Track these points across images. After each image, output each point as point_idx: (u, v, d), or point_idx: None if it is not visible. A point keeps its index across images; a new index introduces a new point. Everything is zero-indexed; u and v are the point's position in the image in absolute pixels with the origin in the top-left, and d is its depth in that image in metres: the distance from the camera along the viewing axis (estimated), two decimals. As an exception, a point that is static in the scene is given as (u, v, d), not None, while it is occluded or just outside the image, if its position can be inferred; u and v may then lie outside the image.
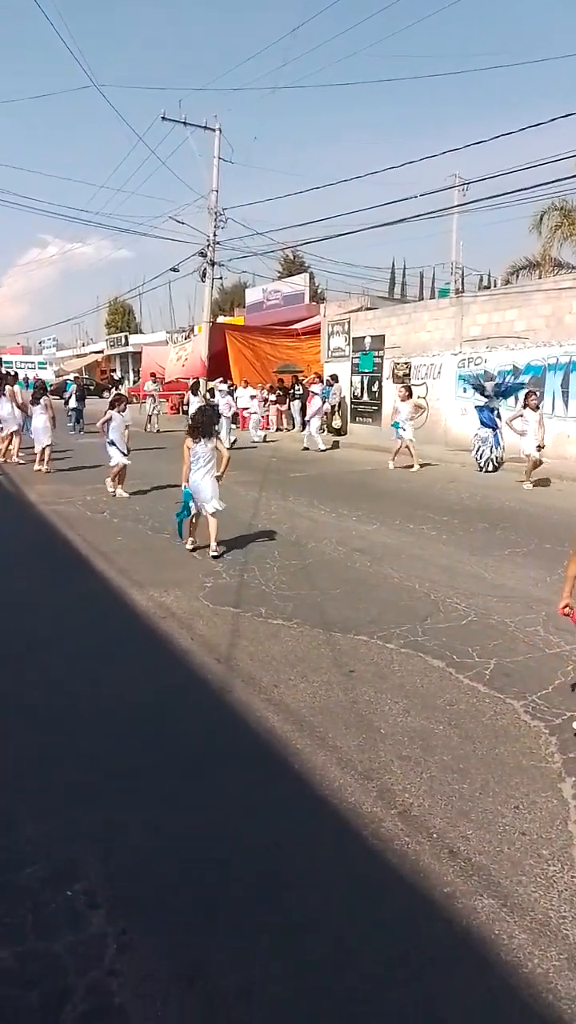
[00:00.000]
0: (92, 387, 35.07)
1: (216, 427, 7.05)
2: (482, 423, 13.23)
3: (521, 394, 12.65)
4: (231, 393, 19.68)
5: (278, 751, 3.33)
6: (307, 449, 16.90)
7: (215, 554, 6.70)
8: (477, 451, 13.32)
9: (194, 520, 7.04)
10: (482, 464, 13.14)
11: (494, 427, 13.01)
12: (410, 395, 14.09)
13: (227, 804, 2.93)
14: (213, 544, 6.76)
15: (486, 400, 13.24)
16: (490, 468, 13.09)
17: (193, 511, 6.92)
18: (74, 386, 23.47)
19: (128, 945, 2.18)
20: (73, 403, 21.97)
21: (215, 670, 4.23)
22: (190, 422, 7.17)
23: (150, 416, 22.77)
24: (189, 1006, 1.98)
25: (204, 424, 6.87)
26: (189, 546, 6.99)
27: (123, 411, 10.14)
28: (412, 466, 13.27)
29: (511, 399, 13.53)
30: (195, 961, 2.13)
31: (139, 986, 2.04)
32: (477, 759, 3.27)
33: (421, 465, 13.43)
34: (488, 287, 30.86)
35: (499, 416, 13.05)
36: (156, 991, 2.02)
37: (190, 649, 4.55)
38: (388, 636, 4.75)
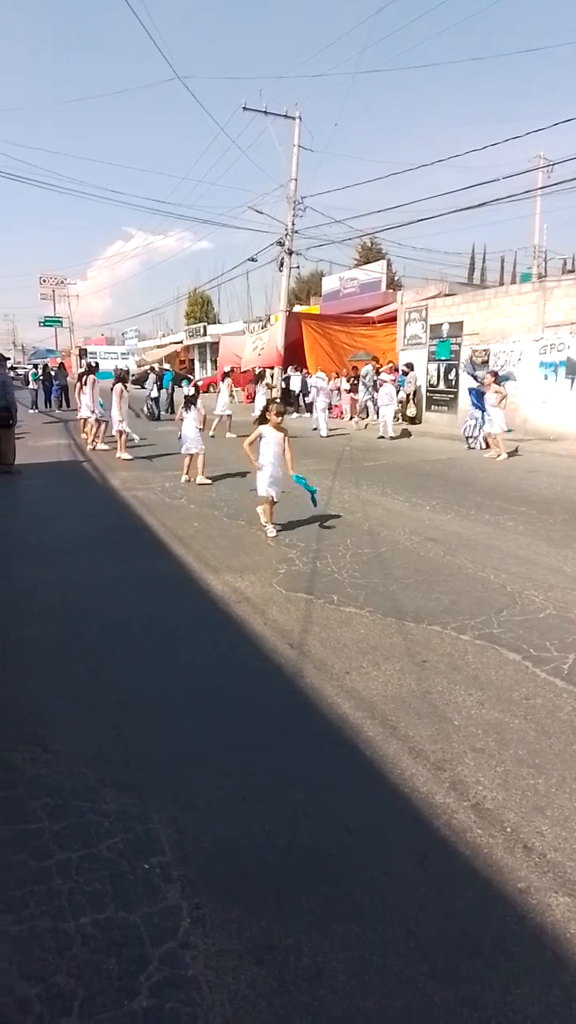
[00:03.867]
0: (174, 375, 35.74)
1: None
2: (473, 404, 14.57)
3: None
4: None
5: (350, 738, 3.33)
6: (382, 437, 16.76)
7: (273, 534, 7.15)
8: (464, 428, 14.93)
9: (272, 505, 7.34)
10: (470, 443, 14.69)
11: (482, 409, 14.06)
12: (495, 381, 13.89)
13: (299, 788, 2.96)
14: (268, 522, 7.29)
15: (478, 385, 14.19)
16: (482, 445, 14.37)
17: (275, 496, 7.27)
18: (152, 376, 23.99)
19: (201, 919, 2.24)
20: (154, 392, 22.49)
21: (288, 655, 4.26)
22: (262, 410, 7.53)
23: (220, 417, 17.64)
24: (260, 982, 2.02)
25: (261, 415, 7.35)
26: (272, 532, 7.21)
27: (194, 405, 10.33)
28: (500, 455, 13.19)
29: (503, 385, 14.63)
30: (266, 939, 2.17)
31: (211, 959, 2.09)
32: (554, 755, 3.19)
33: (509, 455, 13.33)
34: (573, 271, 29.72)
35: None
36: (228, 965, 2.07)
37: (263, 634, 4.60)
38: (462, 627, 4.68)
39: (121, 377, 13.11)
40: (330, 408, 20.18)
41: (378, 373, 18.52)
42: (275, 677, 4.01)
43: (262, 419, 7.34)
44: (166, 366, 38.92)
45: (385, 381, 17.41)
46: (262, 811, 2.81)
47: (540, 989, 2.00)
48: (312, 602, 5.19)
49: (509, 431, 13.91)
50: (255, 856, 2.56)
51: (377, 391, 17.74)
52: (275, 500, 7.30)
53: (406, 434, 17.56)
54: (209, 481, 10.36)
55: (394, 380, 17.79)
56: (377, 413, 20.01)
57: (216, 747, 3.30)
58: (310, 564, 6.17)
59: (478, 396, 14.15)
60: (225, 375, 18.03)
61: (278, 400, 7.64)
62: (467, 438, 14.90)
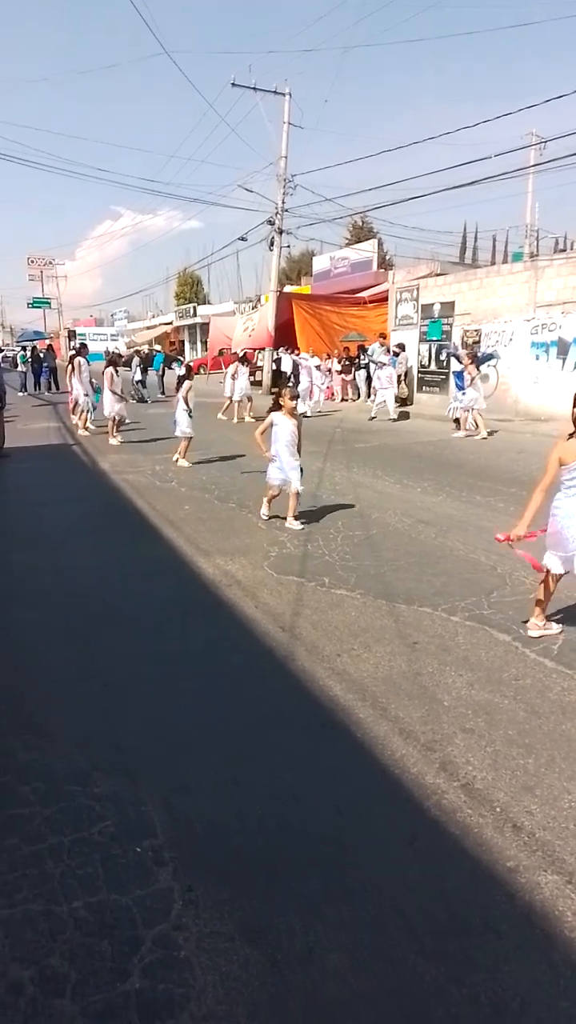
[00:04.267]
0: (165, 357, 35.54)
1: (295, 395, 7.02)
2: (457, 386, 14.80)
3: (571, 355, 14.40)
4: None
5: (341, 720, 3.35)
6: (374, 419, 16.70)
7: (295, 527, 6.75)
8: (449, 411, 15.03)
9: (275, 495, 7.10)
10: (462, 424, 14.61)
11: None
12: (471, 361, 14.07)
13: (290, 770, 2.98)
14: (290, 518, 6.83)
15: (461, 367, 14.39)
16: (468, 426, 14.36)
17: (276, 488, 7.01)
18: (137, 358, 23.87)
19: (193, 901, 2.26)
20: (138, 375, 22.37)
21: (279, 638, 4.27)
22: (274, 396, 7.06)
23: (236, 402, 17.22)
24: (252, 963, 2.04)
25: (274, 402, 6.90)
26: (265, 515, 7.12)
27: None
28: (479, 434, 13.43)
29: (484, 366, 15.69)
30: (258, 920, 2.18)
31: (203, 941, 2.11)
32: (543, 734, 3.22)
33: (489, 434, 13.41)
34: (564, 250, 29.60)
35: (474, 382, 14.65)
36: (220, 947, 2.09)
37: (254, 617, 4.60)
38: (452, 608, 4.70)
39: (112, 360, 12.96)
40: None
41: (389, 352, 17.95)
42: (266, 660, 4.02)
43: (275, 405, 6.93)
44: (156, 347, 38.69)
45: (384, 362, 17.28)
46: (253, 793, 2.82)
47: (529, 966, 2.03)
48: (303, 585, 5.19)
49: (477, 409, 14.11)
50: (247, 838, 2.57)
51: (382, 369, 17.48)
52: (296, 491, 6.84)
53: (404, 416, 17.47)
54: (187, 464, 10.31)
55: (389, 362, 17.68)
56: (370, 394, 19.96)
57: (207, 730, 3.31)
58: (301, 547, 6.17)
59: (461, 377, 14.41)
60: (241, 358, 17.73)
61: (291, 384, 7.30)
62: (455, 420, 14.90)
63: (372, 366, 19.41)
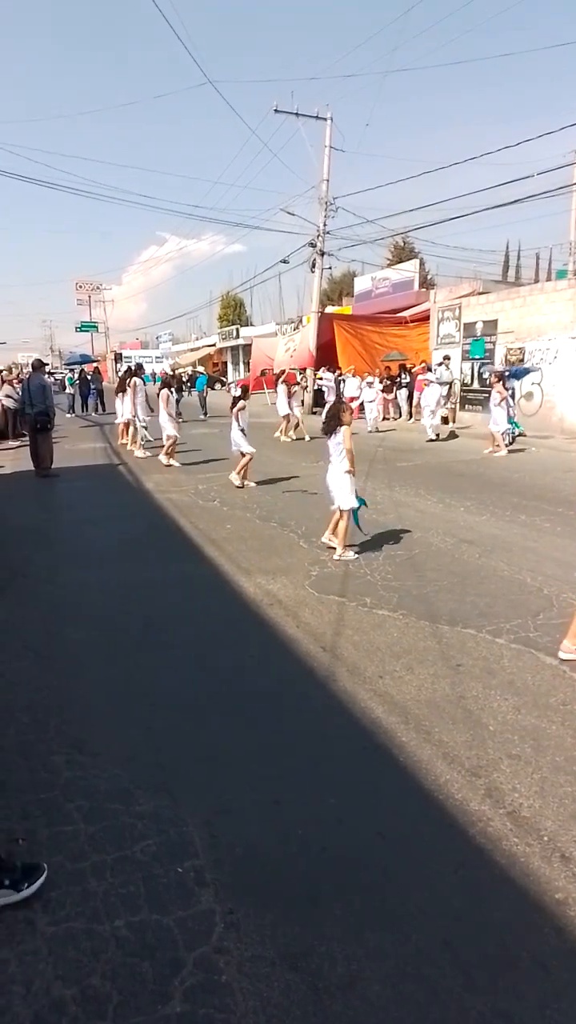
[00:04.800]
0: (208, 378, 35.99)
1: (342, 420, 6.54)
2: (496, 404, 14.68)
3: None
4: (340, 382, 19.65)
5: (383, 743, 3.31)
6: (432, 440, 15.98)
7: (341, 557, 6.37)
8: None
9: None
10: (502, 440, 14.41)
11: (508, 407, 14.40)
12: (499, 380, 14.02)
13: (333, 794, 2.94)
14: (339, 548, 6.44)
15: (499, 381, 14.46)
16: (508, 442, 14.29)
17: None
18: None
19: (235, 924, 2.24)
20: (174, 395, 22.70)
21: (320, 659, 4.25)
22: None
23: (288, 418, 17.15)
24: (294, 989, 2.01)
25: (331, 419, 6.56)
26: (326, 540, 6.66)
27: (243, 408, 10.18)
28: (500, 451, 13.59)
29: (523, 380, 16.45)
30: (300, 946, 2.16)
31: (245, 965, 2.09)
32: (593, 762, 3.13)
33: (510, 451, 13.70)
34: (610, 265, 29.10)
35: (513, 397, 15.10)
36: (261, 972, 2.07)
37: (296, 637, 4.59)
38: (497, 630, 4.61)
39: (167, 382, 13.07)
40: (362, 408, 20.03)
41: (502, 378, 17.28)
42: (308, 680, 4.00)
43: (337, 420, 6.54)
44: (200, 369, 39.21)
45: (431, 382, 17.04)
46: (295, 816, 2.80)
47: (579, 1004, 1.96)
48: (345, 605, 5.17)
49: (517, 430, 14.45)
50: (288, 861, 2.55)
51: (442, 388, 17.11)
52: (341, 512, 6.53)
53: (453, 436, 17.14)
54: (251, 484, 10.24)
55: (426, 380, 17.53)
56: (411, 414, 19.87)
57: (249, 750, 3.30)
58: (342, 566, 6.14)
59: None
60: (278, 378, 17.91)
61: (344, 400, 6.92)
62: (491, 435, 14.66)
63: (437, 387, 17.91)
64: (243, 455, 10.14)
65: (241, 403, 10.00)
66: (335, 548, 6.53)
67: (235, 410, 9.98)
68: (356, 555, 6.46)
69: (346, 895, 2.38)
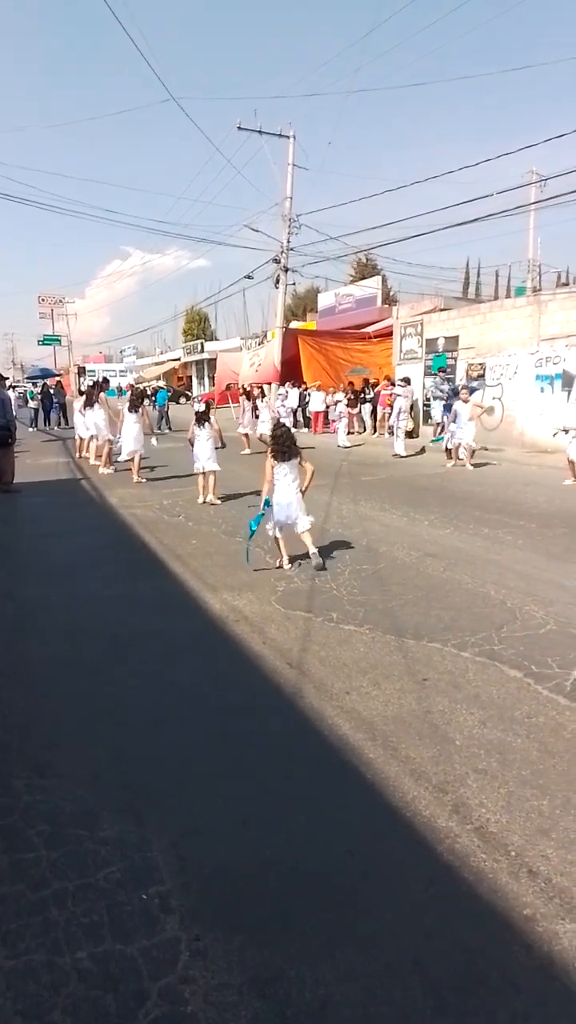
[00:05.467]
0: (170, 393, 35.80)
1: (295, 445, 6.59)
2: (447, 418, 15.21)
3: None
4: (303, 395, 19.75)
5: (350, 760, 3.29)
6: (398, 456, 16.02)
7: (317, 565, 6.38)
8: (447, 442, 14.97)
9: (278, 540, 6.69)
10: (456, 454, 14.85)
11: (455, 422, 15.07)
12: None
13: (300, 812, 2.91)
14: (312, 549, 6.45)
15: (447, 399, 15.45)
16: (458, 456, 14.65)
17: (272, 530, 6.60)
18: (129, 393, 24.10)
19: (201, 952, 2.19)
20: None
21: (287, 675, 4.22)
22: (273, 444, 6.64)
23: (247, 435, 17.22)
24: (261, 1018, 1.96)
25: (287, 444, 6.53)
26: (287, 566, 6.56)
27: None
28: (464, 465, 13.80)
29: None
30: (268, 971, 2.12)
31: (211, 994, 2.04)
32: (557, 775, 3.15)
33: (475, 465, 13.87)
34: (567, 284, 29.92)
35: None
36: (228, 1000, 2.02)
37: (262, 653, 4.56)
38: (462, 644, 4.64)
39: (143, 397, 12.89)
40: (326, 422, 20.15)
41: (456, 394, 16.86)
42: (275, 697, 3.96)
43: (274, 451, 6.55)
44: (161, 383, 39.02)
45: (399, 395, 17.03)
46: (263, 836, 2.76)
47: (549, 1023, 1.95)
48: (311, 620, 5.15)
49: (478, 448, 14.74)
50: (257, 883, 2.51)
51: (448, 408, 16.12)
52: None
53: (422, 451, 17.18)
54: (219, 502, 10.08)
55: (390, 394, 17.74)
56: (375, 429, 20.05)
57: (215, 770, 3.25)
58: (309, 581, 6.13)
59: (448, 409, 14.99)
60: (246, 393, 17.88)
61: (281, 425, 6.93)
62: (447, 450, 15.13)
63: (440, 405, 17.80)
64: (208, 473, 10.07)
65: (193, 431, 9.97)
66: (301, 558, 6.63)
67: (193, 428, 9.94)
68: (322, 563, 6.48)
69: (315, 915, 2.34)
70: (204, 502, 10.06)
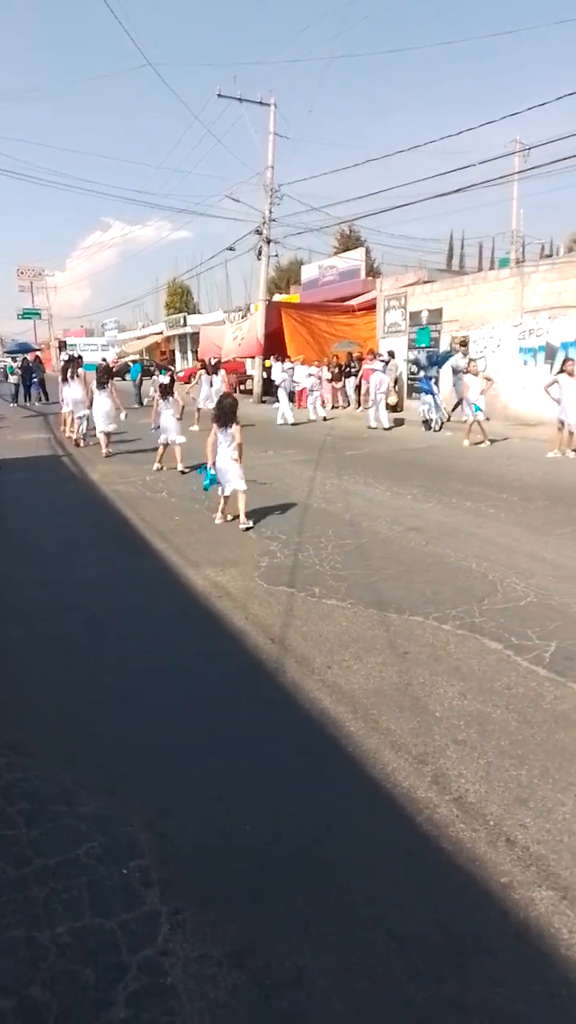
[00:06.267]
0: (152, 367, 35.41)
1: (236, 414, 7.26)
2: (423, 391, 15.80)
3: (558, 359, 14.16)
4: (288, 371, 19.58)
5: (331, 734, 3.30)
6: (373, 428, 16.20)
7: (245, 526, 7.05)
8: (423, 413, 15.76)
9: (225, 498, 7.33)
10: (432, 426, 15.48)
11: (432, 393, 15.55)
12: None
13: (280, 787, 2.93)
14: (242, 517, 7.12)
15: (423, 371, 15.86)
16: (436, 428, 15.38)
17: (221, 490, 7.31)
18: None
19: (180, 924, 2.20)
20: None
21: (269, 650, 4.22)
22: (216, 410, 7.38)
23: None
24: (240, 988, 1.98)
25: (227, 412, 7.13)
26: (218, 520, 7.37)
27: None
28: (483, 442, 12.96)
29: (445, 366, 17.07)
30: (246, 943, 2.13)
31: (190, 966, 2.05)
32: (536, 745, 3.18)
33: (491, 441, 13.04)
34: (550, 256, 29.74)
35: (436, 383, 16.00)
36: (207, 972, 2.03)
37: (244, 629, 4.55)
38: (444, 617, 4.66)
39: (109, 373, 12.85)
40: (307, 395, 20.00)
41: (433, 363, 16.83)
42: (256, 673, 3.97)
43: (216, 417, 7.31)
44: (134, 357, 38.53)
45: (375, 369, 17.18)
46: (242, 811, 2.77)
47: (523, 987, 1.98)
48: (294, 595, 5.15)
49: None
50: (235, 857, 2.52)
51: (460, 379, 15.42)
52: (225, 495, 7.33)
53: (399, 423, 17.31)
54: (187, 470, 10.20)
55: (382, 368, 17.67)
56: (359, 403, 19.97)
57: (195, 746, 3.26)
58: (292, 556, 6.13)
59: (426, 381, 15.69)
60: (215, 366, 17.68)
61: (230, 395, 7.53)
62: (423, 422, 15.75)
63: (452, 376, 16.81)
64: (171, 443, 10.48)
65: (157, 403, 10.38)
66: (233, 520, 7.27)
67: (158, 400, 10.32)
68: (252, 524, 7.11)
69: (293, 888, 2.36)
70: (160, 469, 10.62)
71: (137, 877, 2.41)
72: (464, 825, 2.65)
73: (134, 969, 2.05)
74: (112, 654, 4.29)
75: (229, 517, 7.37)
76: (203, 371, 17.48)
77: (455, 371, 16.03)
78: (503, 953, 2.10)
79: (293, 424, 17.30)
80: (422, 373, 15.94)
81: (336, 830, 2.66)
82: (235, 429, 7.13)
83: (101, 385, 12.32)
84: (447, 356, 17.03)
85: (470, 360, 14.77)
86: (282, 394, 18.11)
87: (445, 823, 2.66)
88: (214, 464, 7.19)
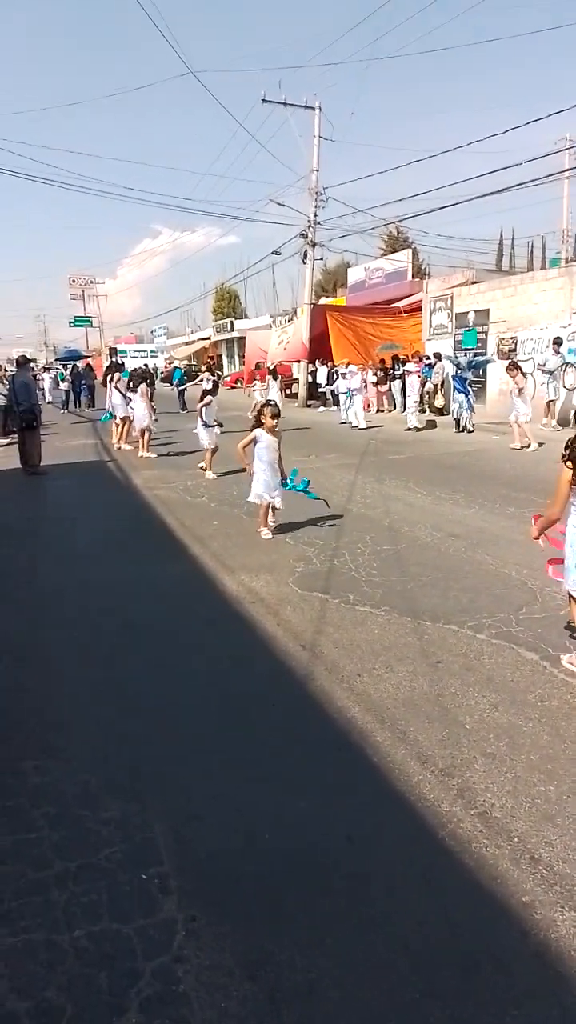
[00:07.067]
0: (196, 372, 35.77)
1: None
2: (457, 390, 15.90)
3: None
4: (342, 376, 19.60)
5: (357, 743, 3.28)
6: (410, 429, 16.67)
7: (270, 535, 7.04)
8: (455, 413, 16.09)
9: (275, 510, 7.20)
10: (463, 424, 15.82)
11: (466, 393, 15.68)
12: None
13: (303, 797, 2.91)
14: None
15: (459, 371, 15.53)
16: (471, 428, 15.75)
17: (273, 503, 7.11)
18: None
19: (196, 932, 2.21)
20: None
21: (299, 657, 4.22)
22: (274, 419, 7.06)
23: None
24: (251, 999, 1.98)
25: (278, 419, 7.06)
26: (267, 535, 7.05)
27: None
28: (529, 445, 12.75)
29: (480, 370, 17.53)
30: (260, 953, 2.13)
31: (203, 974, 2.06)
32: (567, 760, 3.10)
33: (540, 444, 12.74)
34: (604, 253, 29.03)
35: (470, 384, 16.02)
36: (220, 981, 2.04)
37: (276, 635, 4.56)
38: (479, 626, 4.58)
39: (143, 377, 13.12)
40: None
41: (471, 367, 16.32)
42: (285, 681, 3.96)
43: (257, 422, 7.02)
44: (177, 364, 39.03)
45: (411, 372, 17.22)
46: (265, 820, 2.77)
47: (540, 1012, 1.93)
48: (327, 602, 5.13)
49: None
50: (255, 866, 2.52)
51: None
52: (276, 507, 7.10)
53: (431, 425, 17.35)
54: (212, 476, 10.54)
55: (419, 371, 17.55)
56: (404, 405, 19.83)
57: (222, 753, 3.27)
58: (327, 562, 6.11)
59: (461, 382, 15.61)
60: (272, 372, 18.09)
61: (273, 403, 7.35)
62: (455, 421, 16.09)
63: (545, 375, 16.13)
64: (206, 449, 10.64)
65: (208, 398, 10.27)
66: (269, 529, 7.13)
67: (199, 405, 10.32)
68: (269, 536, 7.00)
69: (310, 900, 2.35)
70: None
71: (156, 884, 2.43)
72: (488, 841, 2.60)
73: (148, 975, 2.06)
74: (144, 659, 4.34)
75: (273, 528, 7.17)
76: (270, 376, 17.74)
77: (546, 370, 15.54)
78: (521, 975, 2.05)
79: (365, 428, 17.42)
80: (458, 373, 15.76)
81: (357, 842, 2.63)
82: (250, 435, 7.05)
83: (132, 389, 12.79)
84: (485, 362, 17.22)
85: (513, 361, 14.45)
86: (356, 399, 18.21)
87: (468, 838, 2.62)
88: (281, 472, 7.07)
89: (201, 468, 10.89)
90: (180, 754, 3.27)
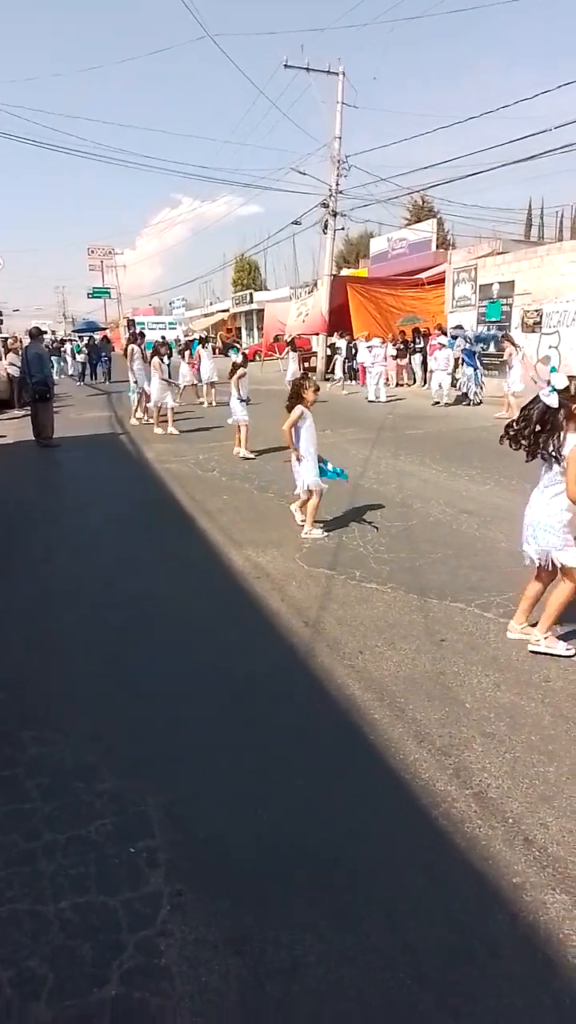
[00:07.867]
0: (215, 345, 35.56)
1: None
2: (466, 363, 16.28)
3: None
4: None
5: (354, 720, 3.25)
6: (437, 404, 16.25)
7: (305, 535, 6.19)
8: (462, 386, 16.44)
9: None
10: (470, 397, 16.18)
11: (475, 367, 16.09)
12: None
13: (299, 775, 2.90)
14: (307, 524, 6.24)
15: (467, 344, 15.87)
16: (477, 402, 16.02)
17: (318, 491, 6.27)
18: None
19: (181, 907, 2.21)
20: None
21: (301, 634, 4.19)
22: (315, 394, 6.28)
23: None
24: (233, 974, 1.98)
25: (292, 397, 6.24)
26: (319, 533, 6.19)
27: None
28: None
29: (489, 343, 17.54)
30: (245, 931, 2.12)
31: (187, 949, 2.06)
32: (568, 740, 3.05)
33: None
34: None
35: (479, 359, 16.45)
36: (203, 956, 2.03)
37: (279, 611, 4.53)
38: (487, 604, 4.52)
39: (156, 350, 12.94)
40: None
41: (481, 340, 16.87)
42: (286, 657, 3.94)
43: (297, 398, 6.15)
44: (194, 336, 38.79)
45: (443, 345, 16.88)
46: (259, 798, 2.76)
47: (528, 996, 1.90)
48: (333, 578, 5.09)
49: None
50: (245, 844, 2.52)
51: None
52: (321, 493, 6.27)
53: (462, 399, 16.98)
54: (250, 455, 10.03)
55: (439, 344, 17.24)
56: (426, 380, 19.58)
57: (219, 730, 3.26)
58: (336, 538, 6.05)
59: (470, 355, 16.05)
60: (290, 344, 17.88)
61: (311, 376, 6.61)
62: (462, 395, 16.47)
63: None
64: (240, 427, 9.98)
65: (241, 371, 9.82)
66: (303, 526, 6.29)
67: (235, 378, 9.81)
68: (325, 534, 6.17)
69: (299, 880, 2.33)
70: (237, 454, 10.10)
71: (144, 857, 2.43)
72: (481, 821, 2.57)
73: (131, 948, 2.07)
74: (149, 635, 4.34)
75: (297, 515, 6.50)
76: (290, 349, 17.54)
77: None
78: (510, 959, 2.02)
79: (386, 401, 17.29)
80: (464, 345, 15.98)
81: (349, 822, 2.61)
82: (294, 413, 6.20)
83: (145, 361, 12.48)
84: (492, 336, 17.38)
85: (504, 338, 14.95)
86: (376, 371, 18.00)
87: (461, 819, 2.58)
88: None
89: (238, 454, 10.07)
90: (176, 729, 3.27)
